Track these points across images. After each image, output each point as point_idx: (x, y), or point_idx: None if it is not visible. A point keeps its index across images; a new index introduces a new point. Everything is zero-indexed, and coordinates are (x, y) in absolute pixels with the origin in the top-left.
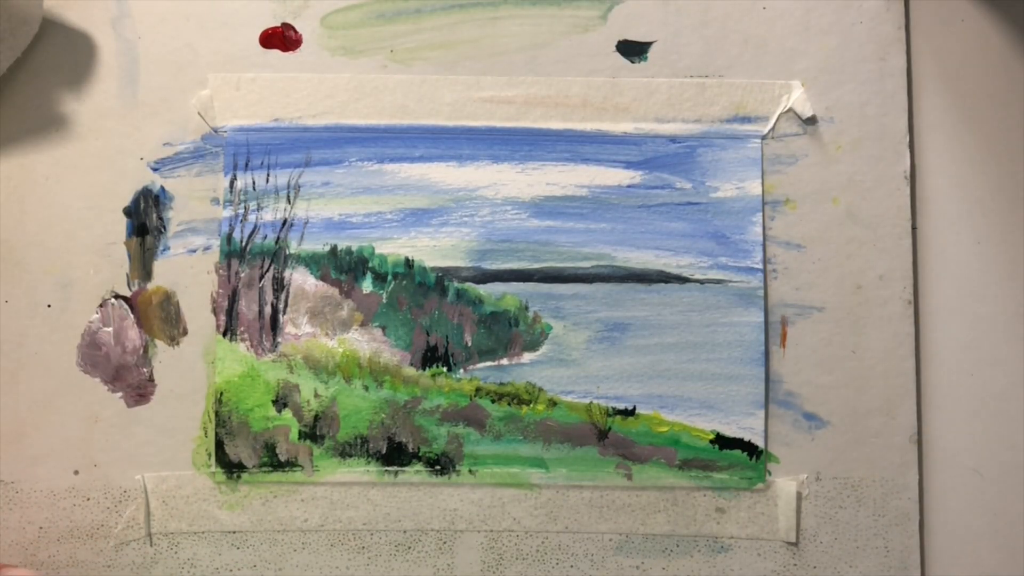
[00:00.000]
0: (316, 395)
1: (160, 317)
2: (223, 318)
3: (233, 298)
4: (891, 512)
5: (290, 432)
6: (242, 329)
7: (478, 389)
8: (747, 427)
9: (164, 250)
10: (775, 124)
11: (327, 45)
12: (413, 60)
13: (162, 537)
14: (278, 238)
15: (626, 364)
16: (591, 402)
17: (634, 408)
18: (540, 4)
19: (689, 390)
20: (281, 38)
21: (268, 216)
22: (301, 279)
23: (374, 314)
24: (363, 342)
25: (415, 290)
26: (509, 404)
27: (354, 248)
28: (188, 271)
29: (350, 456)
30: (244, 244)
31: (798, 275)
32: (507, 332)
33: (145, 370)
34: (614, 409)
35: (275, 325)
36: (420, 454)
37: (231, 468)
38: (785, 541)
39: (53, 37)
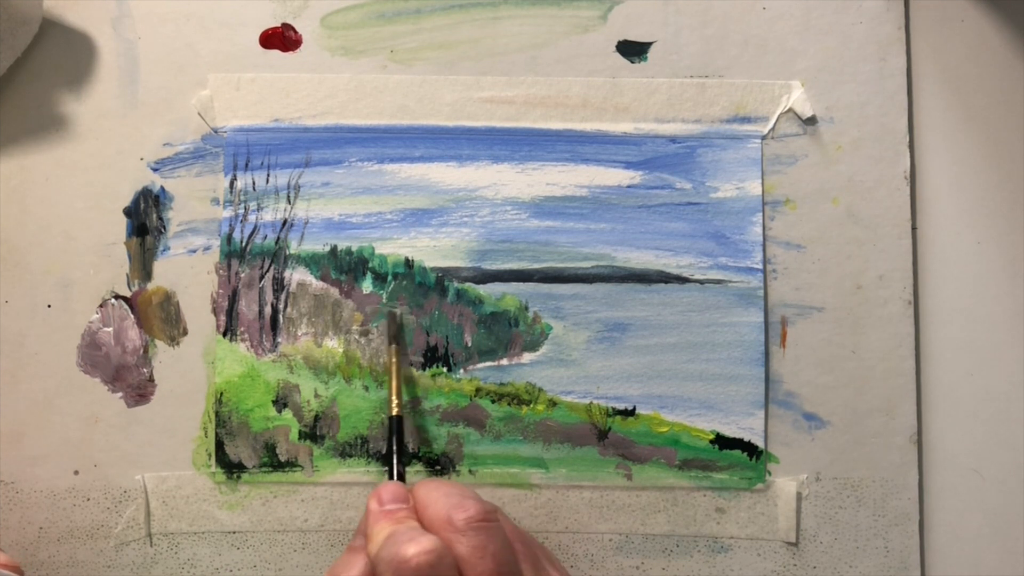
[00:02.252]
0: (316, 395)
1: (160, 317)
2: (223, 318)
3: (233, 298)
4: (891, 512)
5: (290, 432)
6: (242, 329)
7: (478, 389)
8: (747, 427)
9: (164, 250)
10: (775, 124)
11: (327, 45)
12: (413, 60)
13: (162, 537)
14: (278, 238)
15: (626, 364)
16: (591, 402)
17: (634, 408)
18: (540, 4)
19: (689, 390)
20: (281, 38)
21: (268, 216)
22: (301, 279)
23: (374, 314)
24: (363, 342)
25: (415, 290)
26: (509, 404)
27: (354, 248)
28: (188, 271)
29: (350, 456)
30: (244, 244)
31: (798, 275)
32: (507, 332)
33: (145, 370)
34: (614, 409)
35: (275, 325)
36: (420, 454)
37: (231, 468)
38: (785, 541)
39: (53, 37)
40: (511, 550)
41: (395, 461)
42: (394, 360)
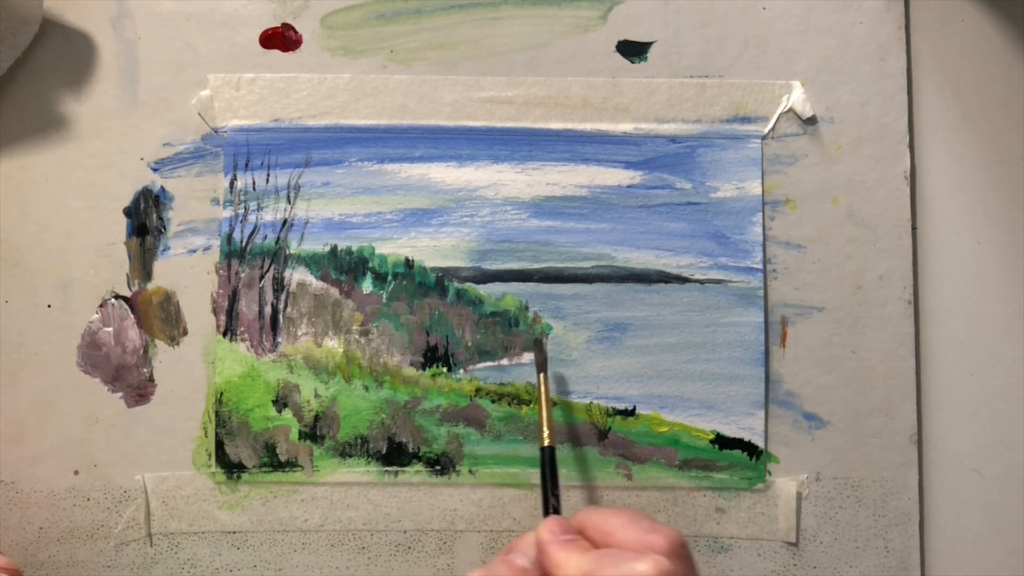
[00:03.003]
0: (316, 395)
1: (160, 317)
2: (223, 318)
3: (233, 298)
4: (891, 512)
5: (290, 432)
6: (242, 329)
7: (478, 389)
8: (747, 427)
9: (164, 250)
10: (775, 124)
11: (327, 45)
12: (413, 60)
13: (162, 537)
14: (278, 238)
15: (626, 364)
16: (591, 402)
17: (634, 408)
18: (540, 4)
19: (689, 390)
20: (281, 38)
21: (268, 216)
22: (301, 279)
23: (374, 314)
24: (363, 342)
25: (415, 290)
26: (509, 404)
27: (354, 248)
28: (188, 271)
29: (350, 456)
30: (244, 244)
31: (798, 275)
32: (507, 332)
33: (145, 370)
34: (614, 409)
35: (275, 325)
36: (420, 454)
37: (231, 468)
38: (785, 541)
39: (53, 37)
40: None
41: (550, 495)
42: (543, 388)
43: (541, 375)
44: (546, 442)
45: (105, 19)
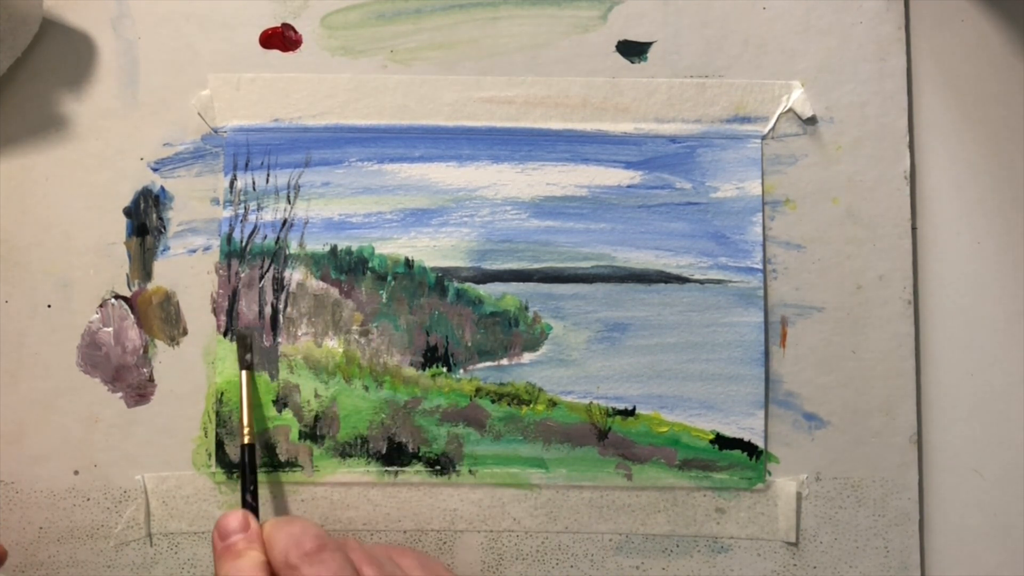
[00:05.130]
0: (316, 395)
1: (160, 317)
2: (223, 318)
3: (233, 298)
4: (891, 512)
5: (290, 432)
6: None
7: (478, 389)
8: (747, 427)
9: (164, 250)
10: (775, 124)
11: (327, 45)
12: (413, 60)
13: (162, 537)
14: (278, 238)
15: (626, 364)
16: (591, 402)
17: (634, 408)
18: (540, 4)
19: (689, 390)
20: (281, 38)
21: (268, 216)
22: (301, 279)
23: (374, 314)
24: (363, 342)
25: (415, 290)
26: (509, 404)
27: (354, 248)
28: (188, 271)
29: (350, 456)
30: (244, 244)
31: (798, 275)
32: (507, 332)
33: (145, 370)
34: (614, 409)
35: (275, 325)
36: (420, 454)
37: (231, 468)
38: (785, 541)
39: (53, 37)
40: (351, 573)
41: (246, 492)
42: (245, 386)
43: (244, 372)
44: (246, 440)
45: (105, 19)
